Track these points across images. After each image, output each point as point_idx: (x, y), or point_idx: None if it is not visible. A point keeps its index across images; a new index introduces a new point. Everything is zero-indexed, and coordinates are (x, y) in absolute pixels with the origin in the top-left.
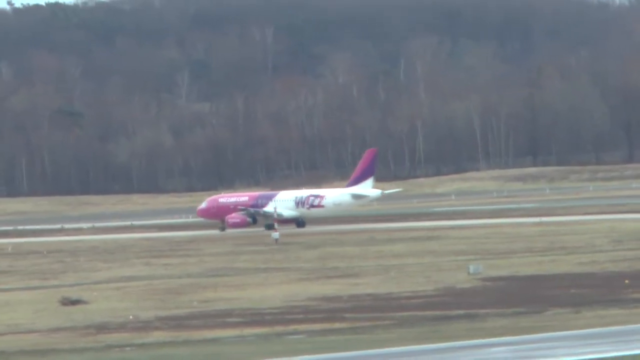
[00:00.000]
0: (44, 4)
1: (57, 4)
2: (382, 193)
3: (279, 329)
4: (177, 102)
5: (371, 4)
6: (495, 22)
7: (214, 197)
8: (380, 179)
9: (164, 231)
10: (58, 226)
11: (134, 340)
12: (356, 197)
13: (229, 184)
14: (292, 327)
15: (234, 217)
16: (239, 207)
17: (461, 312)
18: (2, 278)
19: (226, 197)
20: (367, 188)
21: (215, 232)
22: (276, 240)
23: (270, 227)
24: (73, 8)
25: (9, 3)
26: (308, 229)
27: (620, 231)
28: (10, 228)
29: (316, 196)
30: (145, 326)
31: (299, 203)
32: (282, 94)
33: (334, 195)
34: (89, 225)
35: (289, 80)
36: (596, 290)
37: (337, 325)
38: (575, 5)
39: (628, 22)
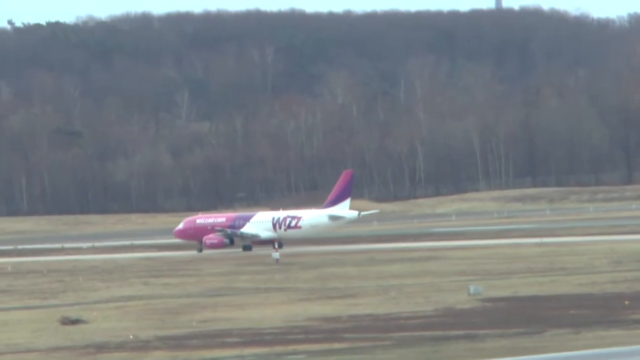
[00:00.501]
0: (44, 23)
1: (57, 23)
2: (359, 214)
3: (279, 349)
4: (175, 122)
5: (369, 23)
6: (493, 42)
7: (191, 218)
8: (379, 199)
9: (163, 251)
10: (58, 245)
11: None
12: (333, 218)
13: (227, 204)
14: (291, 347)
15: (211, 238)
16: (216, 228)
17: (461, 332)
18: (2, 297)
19: (203, 218)
20: (344, 209)
21: (194, 252)
22: (277, 260)
23: (247, 248)
24: (73, 28)
25: (10, 22)
26: (309, 248)
27: (620, 252)
28: (10, 247)
29: (293, 217)
30: (144, 346)
31: (277, 224)
32: (281, 114)
33: (311, 217)
34: (89, 244)
35: (287, 100)
36: (596, 311)
37: (336, 345)
38: (574, 26)
39: (626, 43)
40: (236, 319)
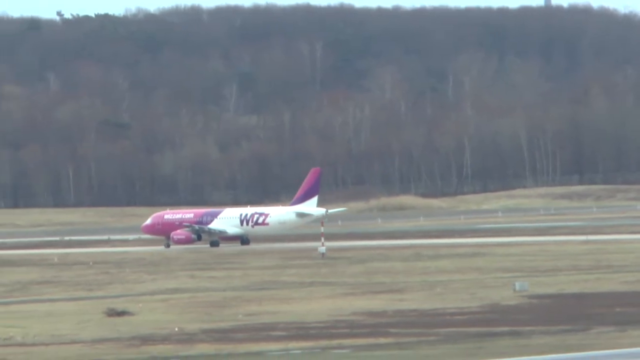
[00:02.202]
0: (93, 15)
1: (106, 15)
2: (326, 212)
3: (324, 343)
4: (223, 115)
5: (418, 19)
6: (542, 40)
7: (159, 213)
8: (426, 195)
9: (255, 243)
10: (104, 237)
11: (179, 352)
12: (300, 215)
13: (274, 198)
14: (336, 342)
15: (178, 234)
16: (184, 223)
17: (506, 329)
18: (48, 288)
19: (171, 214)
20: (312, 207)
21: (161, 248)
22: (322, 254)
23: (214, 244)
24: (121, 20)
25: (59, 14)
26: (356, 243)
27: None
28: (57, 239)
29: (261, 214)
30: (190, 339)
31: (244, 221)
32: (329, 108)
33: (279, 214)
34: (135, 237)
35: (335, 95)
36: None
37: (382, 340)
38: (622, 24)
39: None
40: (281, 312)
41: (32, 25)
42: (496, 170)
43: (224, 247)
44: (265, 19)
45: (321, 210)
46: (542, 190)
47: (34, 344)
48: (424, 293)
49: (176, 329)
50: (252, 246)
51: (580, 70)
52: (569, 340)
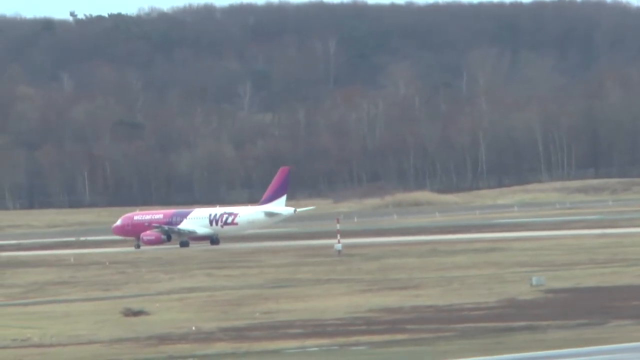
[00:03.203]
0: (106, 15)
1: (119, 15)
2: (295, 211)
3: (341, 340)
4: (238, 113)
5: (432, 15)
6: (556, 33)
7: (128, 214)
8: (441, 190)
9: (225, 242)
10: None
11: (196, 351)
12: (269, 214)
13: (290, 196)
14: (353, 339)
15: (148, 235)
16: (153, 224)
17: (523, 323)
18: (64, 289)
19: (141, 215)
20: (280, 206)
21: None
22: (339, 251)
23: (184, 244)
24: (135, 19)
25: (72, 14)
26: (371, 239)
27: None
28: (73, 239)
29: (230, 214)
30: (207, 337)
31: (213, 221)
32: (343, 105)
33: (248, 213)
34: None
35: (349, 92)
36: None
37: (398, 336)
38: (636, 16)
39: None
40: (298, 310)
41: (46, 25)
42: (511, 165)
43: (239, 245)
44: (278, 16)
45: (290, 210)
46: (558, 184)
47: (51, 345)
48: (441, 289)
49: (193, 328)
50: (268, 243)
51: (594, 64)
52: (585, 334)
